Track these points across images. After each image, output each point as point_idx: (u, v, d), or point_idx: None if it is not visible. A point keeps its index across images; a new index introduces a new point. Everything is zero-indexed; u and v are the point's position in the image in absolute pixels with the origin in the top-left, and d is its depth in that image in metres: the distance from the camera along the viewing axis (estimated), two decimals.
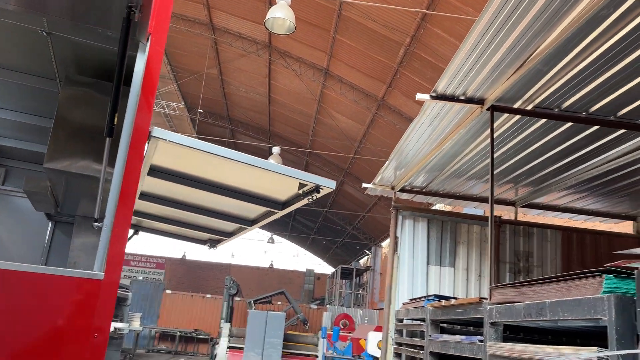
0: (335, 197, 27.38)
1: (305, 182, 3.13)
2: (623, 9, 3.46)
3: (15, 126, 3.87)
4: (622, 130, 5.24)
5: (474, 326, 6.08)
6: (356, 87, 16.82)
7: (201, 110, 21.47)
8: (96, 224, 2.50)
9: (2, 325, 1.82)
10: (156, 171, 3.57)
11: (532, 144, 5.86)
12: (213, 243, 6.03)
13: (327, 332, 18.69)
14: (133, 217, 4.59)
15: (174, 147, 2.53)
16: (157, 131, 2.29)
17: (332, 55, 15.94)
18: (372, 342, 13.51)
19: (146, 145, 2.32)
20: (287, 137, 23.55)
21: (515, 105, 4.95)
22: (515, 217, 8.07)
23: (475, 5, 10.90)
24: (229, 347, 20.74)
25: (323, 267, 40.79)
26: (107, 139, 2.21)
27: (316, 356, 20.74)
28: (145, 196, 4.58)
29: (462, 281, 7.70)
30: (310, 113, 20.20)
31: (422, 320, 5.92)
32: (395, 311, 7.26)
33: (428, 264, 7.69)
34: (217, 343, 21.38)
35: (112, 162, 2.74)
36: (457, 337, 4.90)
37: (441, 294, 7.41)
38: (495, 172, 6.73)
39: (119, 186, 2.01)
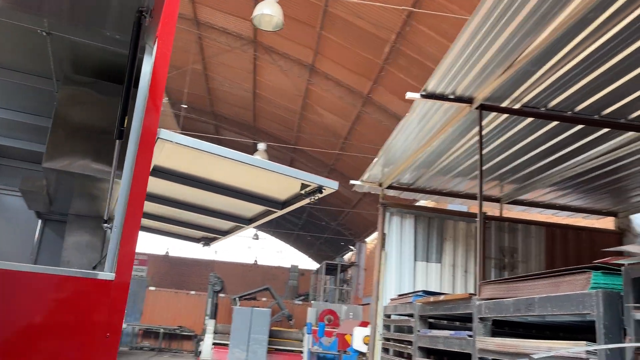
0: None
1: (308, 183, 3.17)
2: (609, 12, 3.55)
3: (8, 124, 3.83)
4: (606, 130, 5.37)
5: (460, 321, 6.19)
6: (342, 83, 16.86)
7: (185, 106, 21.32)
8: (106, 225, 2.51)
9: (17, 325, 1.84)
10: (156, 171, 3.57)
11: (518, 142, 5.97)
12: (207, 241, 6.03)
13: (313, 328, 18.76)
14: None
15: (176, 147, 2.54)
16: (164, 133, 2.30)
17: (317, 51, 15.95)
18: (358, 337, 13.61)
19: None
20: (271, 133, 23.51)
21: (503, 105, 5.04)
22: (501, 214, 8.20)
23: (460, 3, 11.01)
24: (213, 344, 20.71)
25: (307, 263, 40.86)
26: (117, 141, 2.23)
27: (301, 352, 20.81)
28: None
29: (449, 277, 7.81)
30: (295, 109, 20.19)
31: (411, 315, 6.01)
32: (383, 307, 7.35)
33: (415, 260, 7.78)
34: (202, 340, 21.33)
35: (111, 162, 2.75)
36: (446, 332, 4.99)
37: (428, 289, 7.50)
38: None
39: (128, 188, 2.02)
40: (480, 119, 4.90)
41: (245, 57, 18.05)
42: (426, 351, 5.49)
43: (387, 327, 7.07)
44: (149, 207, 4.80)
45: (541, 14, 3.60)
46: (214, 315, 22.69)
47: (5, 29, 2.66)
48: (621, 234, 8.17)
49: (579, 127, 5.35)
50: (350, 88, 16.80)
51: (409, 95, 4.83)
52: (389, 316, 7.03)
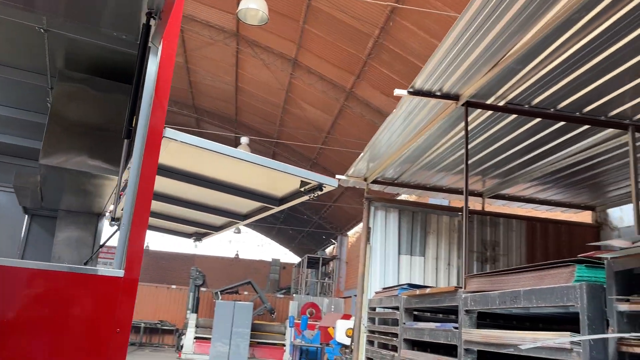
0: None
1: (308, 181, 3.21)
2: (594, 13, 3.66)
3: None
4: (586, 126, 5.52)
5: (444, 313, 6.31)
6: (325, 77, 16.88)
7: None
8: (113, 222, 2.53)
9: (30, 321, 1.87)
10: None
11: (501, 138, 6.09)
12: (199, 236, 6.03)
13: (295, 321, 18.88)
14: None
15: (176, 145, 2.55)
16: (169, 132, 2.32)
17: (301, 45, 15.94)
18: (341, 330, 13.75)
19: None
20: (254, 126, 23.44)
21: (489, 102, 5.15)
22: (483, 208, 8.36)
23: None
24: (195, 338, 20.70)
25: (289, 257, 40.93)
26: (125, 140, 2.25)
27: (284, 345, 20.92)
28: None
29: (432, 270, 7.94)
30: (278, 103, 20.17)
31: (396, 308, 6.11)
32: (368, 300, 7.44)
33: (399, 253, 7.89)
34: (184, 334, 21.29)
35: (111, 161, 2.76)
36: (432, 325, 5.10)
37: (412, 282, 7.62)
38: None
39: (135, 186, 2.05)
40: (466, 115, 5.00)
41: (228, 51, 17.94)
42: (411, 343, 5.60)
43: (371, 319, 7.17)
44: None
45: (528, 14, 3.69)
46: (195, 309, 22.66)
47: (1, 25, 2.64)
48: (599, 227, 8.40)
49: (561, 123, 5.49)
50: (333, 82, 16.84)
51: (397, 92, 4.90)
52: (373, 309, 7.13)
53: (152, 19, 2.10)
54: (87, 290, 1.90)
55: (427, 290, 5.29)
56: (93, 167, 2.94)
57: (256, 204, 4.17)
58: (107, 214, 4.41)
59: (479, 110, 5.37)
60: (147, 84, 2.17)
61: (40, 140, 3.53)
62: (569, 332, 2.99)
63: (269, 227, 38.01)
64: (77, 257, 3.70)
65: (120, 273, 1.93)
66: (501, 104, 5.16)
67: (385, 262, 7.80)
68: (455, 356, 4.49)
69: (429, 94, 4.98)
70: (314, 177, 3.31)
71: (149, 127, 2.13)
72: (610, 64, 4.33)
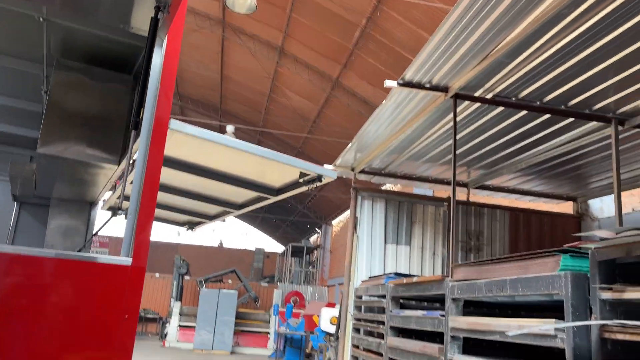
0: None
1: (307, 172, 3.24)
2: (582, 9, 3.74)
3: None
4: (570, 119, 5.64)
5: (428, 301, 6.44)
6: (311, 66, 16.85)
7: None
8: (120, 211, 2.56)
9: (45, 307, 1.92)
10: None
11: (487, 130, 6.19)
12: (192, 225, 6.02)
13: (280, 310, 18.99)
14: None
15: (174, 135, 2.57)
16: (174, 123, 2.33)
17: (287, 33, 15.87)
18: (325, 318, 13.88)
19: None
20: (239, 115, 23.33)
21: (477, 94, 5.23)
22: (468, 198, 8.49)
23: None
24: (179, 326, 20.71)
25: (273, 246, 40.99)
26: (133, 131, 2.27)
27: (268, 333, 21.04)
28: None
29: (417, 259, 8.07)
30: (263, 91, 20.08)
31: (383, 296, 6.21)
32: (354, 288, 7.54)
33: (385, 242, 8.00)
34: (168, 322, 21.28)
35: (110, 150, 2.77)
36: (419, 312, 5.20)
37: (398, 271, 7.74)
38: (451, 156, 7.05)
39: (142, 176, 2.09)
40: (455, 107, 5.08)
41: (214, 38, 17.79)
42: (397, 330, 5.71)
43: (358, 307, 7.28)
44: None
45: (518, 9, 3.76)
46: (179, 298, 22.64)
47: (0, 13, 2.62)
48: (579, 218, 8.61)
49: (546, 116, 5.60)
50: (320, 71, 16.82)
51: (387, 83, 4.95)
52: (360, 297, 7.24)
53: (160, 13, 2.12)
54: (97, 278, 1.95)
55: (415, 279, 5.40)
56: (91, 156, 2.94)
57: (253, 194, 4.19)
58: (101, 202, 4.41)
59: (466, 103, 5.45)
60: (152, 75, 2.19)
61: (32, 129, 3.53)
62: (553, 320, 3.10)
63: (253, 215, 37.97)
64: (70, 244, 3.70)
65: (128, 261, 1.98)
66: (489, 96, 5.25)
67: (372, 251, 7.91)
68: (439, 343, 4.61)
69: (418, 85, 5.04)
70: (314, 169, 3.36)
71: (155, 119, 2.16)
72: (596, 59, 4.43)
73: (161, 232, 36.52)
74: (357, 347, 6.93)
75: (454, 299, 4.42)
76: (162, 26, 2.14)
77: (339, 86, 16.88)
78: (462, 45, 4.30)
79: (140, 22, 2.54)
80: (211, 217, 5.55)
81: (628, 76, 4.63)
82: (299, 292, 22.90)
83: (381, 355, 5.88)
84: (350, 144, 6.97)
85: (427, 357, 4.71)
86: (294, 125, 21.10)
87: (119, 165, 3.01)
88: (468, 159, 7.30)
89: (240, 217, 40.19)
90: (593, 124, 5.67)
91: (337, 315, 11.46)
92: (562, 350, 2.95)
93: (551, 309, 4.66)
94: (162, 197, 4.78)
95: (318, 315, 14.66)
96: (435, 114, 5.81)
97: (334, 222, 29.30)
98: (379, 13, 12.83)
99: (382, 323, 6.00)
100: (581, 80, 4.79)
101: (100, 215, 4.44)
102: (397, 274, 6.38)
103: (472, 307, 4.88)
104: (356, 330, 7.15)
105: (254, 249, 35.56)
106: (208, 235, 39.97)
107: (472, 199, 8.54)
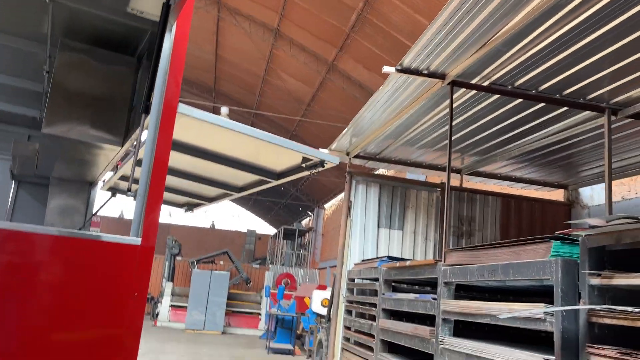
0: None
1: (310, 157, 3.29)
2: None
3: None
4: (565, 108, 5.71)
5: (419, 285, 6.55)
6: (307, 49, 16.78)
7: None
8: (130, 192, 2.60)
9: (57, 285, 1.99)
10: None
11: (482, 117, 6.25)
12: (190, 207, 6.05)
13: (271, 291, 19.15)
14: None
15: (179, 118, 2.59)
16: (182, 107, 2.36)
17: (283, 15, 15.77)
18: (317, 300, 14.04)
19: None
20: (232, 96, 23.23)
21: (473, 81, 5.27)
22: (461, 184, 8.58)
23: None
24: (171, 306, 20.85)
25: (264, 228, 41.13)
26: (143, 114, 2.30)
27: (259, 314, 21.24)
28: None
29: (410, 243, 8.18)
30: (258, 73, 19.99)
31: (376, 279, 6.31)
32: (347, 271, 7.65)
33: (379, 227, 8.09)
34: (159, 302, 21.41)
35: (113, 131, 2.80)
36: (412, 295, 5.31)
37: (390, 255, 7.85)
38: (445, 142, 7.11)
39: (151, 159, 2.13)
40: (452, 94, 5.12)
41: (209, 18, 17.63)
42: (389, 313, 5.82)
43: (350, 290, 7.38)
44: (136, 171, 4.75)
45: None
46: (171, 278, 22.75)
47: None
48: (570, 205, 8.74)
49: (541, 105, 5.66)
50: (315, 54, 16.76)
51: (385, 69, 4.98)
52: (353, 280, 7.34)
53: None
54: (108, 257, 2.02)
55: (408, 263, 5.49)
56: (95, 137, 2.97)
57: (254, 177, 4.23)
58: (101, 182, 4.44)
59: (462, 90, 5.50)
60: (162, 58, 2.22)
61: (32, 108, 3.53)
62: (543, 304, 3.19)
63: (245, 197, 38.01)
64: (69, 224, 3.74)
65: (137, 241, 2.05)
66: (485, 84, 5.29)
67: (365, 235, 8.00)
68: (431, 325, 4.71)
69: (416, 72, 5.07)
70: (317, 154, 3.40)
71: (164, 102, 2.20)
72: (592, 49, 4.48)
73: None
74: (348, 328, 7.05)
75: (446, 283, 4.52)
76: (174, 11, 2.17)
77: (335, 69, 16.84)
78: (461, 32, 4.33)
79: (144, 4, 2.56)
80: (210, 199, 5.59)
81: (623, 67, 4.69)
82: (291, 274, 23.08)
83: (373, 336, 6.00)
84: (346, 129, 7.01)
85: (419, 338, 4.82)
86: (289, 108, 21.06)
87: (122, 146, 3.05)
88: (462, 146, 7.37)
89: (232, 199, 40.19)
90: (586, 113, 5.74)
91: (328, 298, 11.60)
92: (550, 334, 3.05)
93: (538, 294, 4.79)
94: None
95: (309, 297, 14.82)
96: (431, 101, 5.86)
97: (327, 205, 29.42)
98: None
99: (374, 305, 6.10)
100: (576, 70, 4.84)
101: (100, 195, 4.49)
102: (390, 258, 6.47)
103: (462, 291, 4.99)
104: (348, 312, 7.27)
105: (245, 231, 35.69)
106: (200, 216, 40.02)
107: (464, 185, 8.64)
